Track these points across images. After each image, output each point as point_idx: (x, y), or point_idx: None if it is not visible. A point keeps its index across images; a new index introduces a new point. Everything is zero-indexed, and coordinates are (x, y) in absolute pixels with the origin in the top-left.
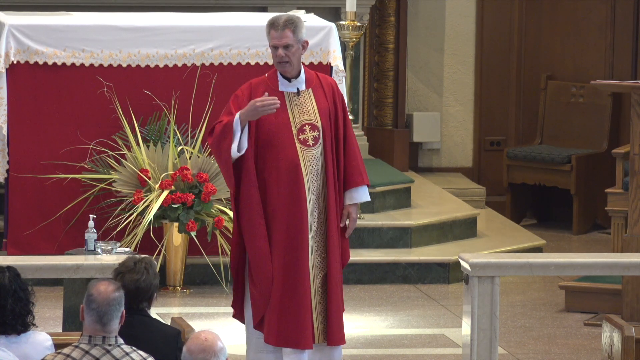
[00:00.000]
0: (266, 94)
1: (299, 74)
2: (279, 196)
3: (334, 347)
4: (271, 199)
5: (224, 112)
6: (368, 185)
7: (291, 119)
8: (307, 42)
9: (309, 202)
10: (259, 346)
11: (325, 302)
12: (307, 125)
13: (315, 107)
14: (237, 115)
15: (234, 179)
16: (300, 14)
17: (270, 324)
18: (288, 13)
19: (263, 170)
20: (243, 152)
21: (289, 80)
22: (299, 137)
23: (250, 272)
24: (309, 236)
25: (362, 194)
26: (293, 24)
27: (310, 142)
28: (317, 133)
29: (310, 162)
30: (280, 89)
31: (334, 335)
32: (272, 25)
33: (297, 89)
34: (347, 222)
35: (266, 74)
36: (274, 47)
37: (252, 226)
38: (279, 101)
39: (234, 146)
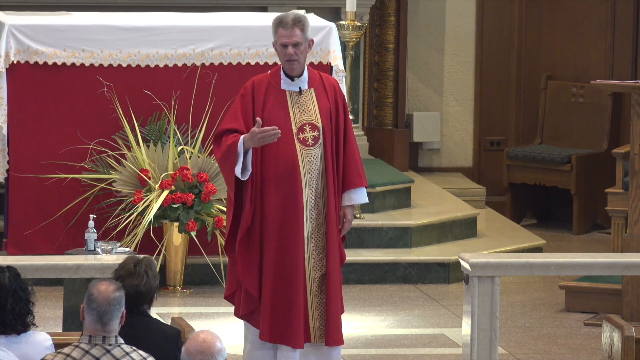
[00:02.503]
0: (258, 120)
1: (302, 73)
2: (275, 194)
3: (332, 347)
4: (268, 197)
5: (230, 114)
6: (366, 187)
7: (292, 117)
8: (312, 41)
9: (306, 202)
10: (255, 343)
11: (322, 302)
12: (307, 125)
13: (317, 107)
14: (242, 139)
15: (234, 192)
16: (301, 14)
17: (263, 320)
18: (294, 11)
19: (261, 168)
20: (246, 176)
21: (292, 79)
22: (299, 136)
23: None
24: (305, 236)
25: (360, 196)
26: (301, 22)
27: (310, 141)
28: (317, 133)
29: (309, 161)
30: (282, 87)
31: (331, 335)
32: (281, 23)
33: (300, 88)
34: (343, 223)
35: (269, 71)
36: (283, 46)
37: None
38: (279, 130)
39: (237, 169)
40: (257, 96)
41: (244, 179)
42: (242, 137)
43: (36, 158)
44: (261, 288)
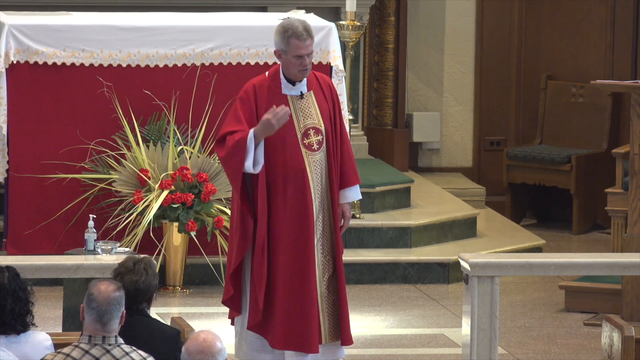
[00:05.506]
0: (274, 106)
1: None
2: (285, 202)
3: (342, 346)
4: (277, 203)
5: (232, 118)
6: (359, 184)
7: (296, 123)
8: None
9: (315, 206)
10: (254, 345)
11: (331, 303)
12: (311, 130)
13: (318, 110)
14: (252, 132)
15: (241, 189)
16: (300, 14)
17: (276, 327)
18: (300, 19)
19: (268, 175)
20: (259, 169)
21: (293, 83)
22: (304, 141)
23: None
24: (315, 239)
25: (355, 193)
26: (312, 32)
27: (315, 146)
28: (321, 137)
29: (315, 166)
30: (283, 92)
31: (345, 334)
32: (294, 34)
33: (301, 92)
34: (343, 221)
35: (266, 73)
36: (299, 57)
37: (245, 234)
38: (287, 108)
39: (248, 163)
40: (259, 101)
41: (256, 172)
42: (251, 130)
43: (36, 158)
44: (268, 297)
